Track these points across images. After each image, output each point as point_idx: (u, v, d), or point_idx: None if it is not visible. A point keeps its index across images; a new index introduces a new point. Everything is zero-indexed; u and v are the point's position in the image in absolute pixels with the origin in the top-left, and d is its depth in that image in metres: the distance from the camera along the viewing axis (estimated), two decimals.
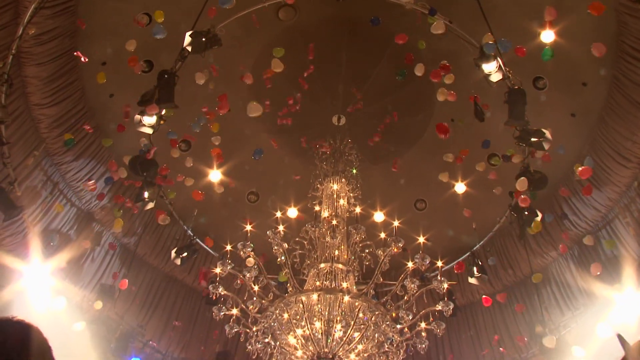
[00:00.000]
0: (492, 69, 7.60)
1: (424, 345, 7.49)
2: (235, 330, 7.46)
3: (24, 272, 9.05)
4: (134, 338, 10.67)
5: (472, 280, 9.22)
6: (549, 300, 10.25)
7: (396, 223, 7.26)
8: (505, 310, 10.82)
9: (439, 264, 7.37)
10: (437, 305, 7.29)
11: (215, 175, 9.69)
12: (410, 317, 7.39)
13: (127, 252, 10.77)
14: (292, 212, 8.92)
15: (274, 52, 8.35)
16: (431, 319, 7.39)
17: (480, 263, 9.34)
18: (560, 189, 9.59)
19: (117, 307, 10.17)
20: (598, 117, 9.10)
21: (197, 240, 10.13)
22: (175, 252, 9.09)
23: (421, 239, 7.21)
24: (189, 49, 7.31)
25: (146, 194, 8.69)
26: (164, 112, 8.03)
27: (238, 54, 9.46)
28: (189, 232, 10.03)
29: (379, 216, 8.90)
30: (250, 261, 7.22)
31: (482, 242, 10.41)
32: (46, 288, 9.32)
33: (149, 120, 8.02)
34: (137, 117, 7.93)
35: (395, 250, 6.96)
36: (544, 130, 7.52)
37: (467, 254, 9.92)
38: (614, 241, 9.24)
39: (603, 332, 9.20)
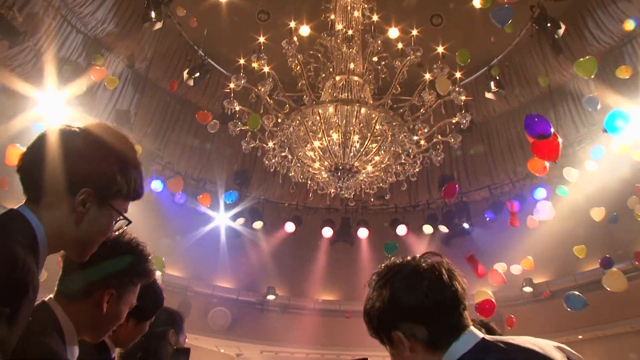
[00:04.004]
0: None
1: (439, 158, 7.55)
2: (252, 145, 7.50)
3: (39, 99, 9.04)
4: (153, 161, 10.91)
5: (489, 95, 9.09)
6: (564, 117, 10.18)
7: (414, 32, 6.96)
8: (520, 127, 10.80)
9: (457, 75, 7.20)
10: (454, 118, 7.24)
11: None
12: (427, 130, 7.38)
13: (140, 78, 10.63)
14: (305, 30, 8.57)
15: None
16: (448, 131, 7.39)
17: (497, 78, 9.14)
18: None
19: (134, 132, 10.27)
20: None
21: (209, 60, 9.91)
22: (187, 73, 8.93)
23: (440, 49, 6.98)
24: None
25: (153, 14, 8.39)
26: None
27: None
28: (200, 52, 9.76)
29: (393, 32, 8.54)
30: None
31: (499, 57, 10.08)
32: (62, 116, 9.37)
33: None
34: None
35: (414, 59, 6.75)
36: None
37: (485, 68, 9.69)
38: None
39: (617, 146, 9.26)
